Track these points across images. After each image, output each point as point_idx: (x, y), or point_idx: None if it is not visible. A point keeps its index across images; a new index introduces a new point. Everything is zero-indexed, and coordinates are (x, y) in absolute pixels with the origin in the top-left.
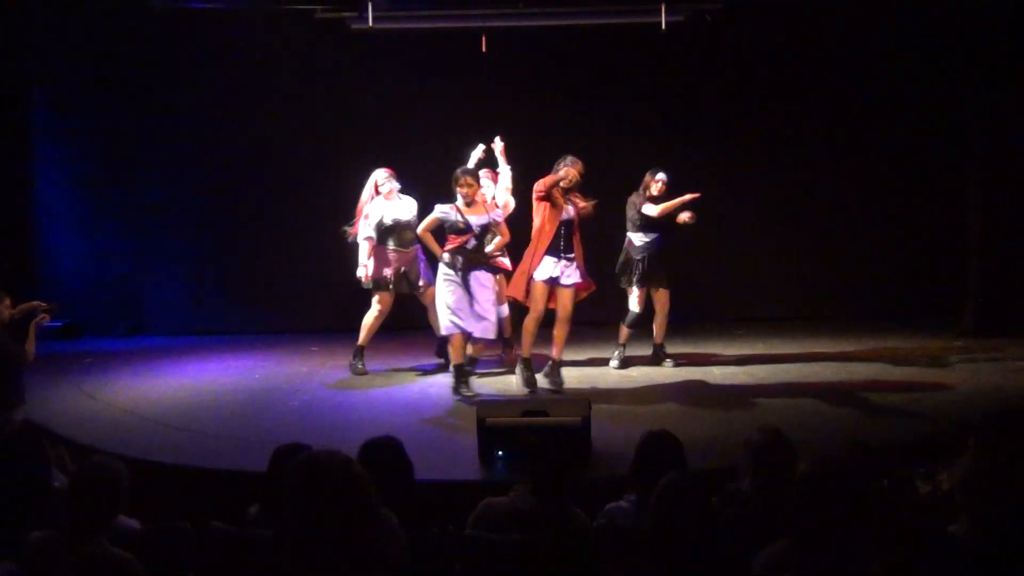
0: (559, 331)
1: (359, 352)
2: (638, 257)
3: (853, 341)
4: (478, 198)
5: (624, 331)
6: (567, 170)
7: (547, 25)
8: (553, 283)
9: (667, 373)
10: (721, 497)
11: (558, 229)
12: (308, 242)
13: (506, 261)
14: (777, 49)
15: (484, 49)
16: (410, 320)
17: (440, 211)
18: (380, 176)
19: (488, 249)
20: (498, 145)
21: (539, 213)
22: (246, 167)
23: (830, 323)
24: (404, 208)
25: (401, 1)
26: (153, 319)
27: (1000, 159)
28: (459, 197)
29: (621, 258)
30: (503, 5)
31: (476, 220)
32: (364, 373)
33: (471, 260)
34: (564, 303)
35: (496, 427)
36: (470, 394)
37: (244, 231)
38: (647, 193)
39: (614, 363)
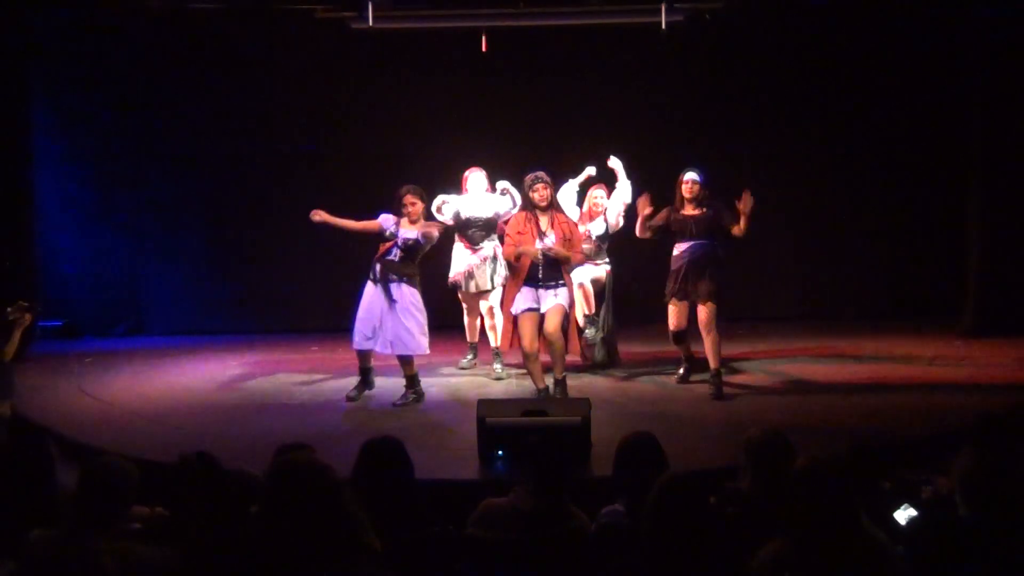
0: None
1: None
2: (674, 268)
3: (853, 341)
4: (415, 216)
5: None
6: (537, 193)
7: (547, 25)
8: (537, 312)
9: (667, 373)
10: (721, 497)
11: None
12: (308, 242)
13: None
14: (777, 49)
15: (484, 49)
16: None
17: (383, 218)
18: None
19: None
20: (615, 163)
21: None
22: (246, 167)
23: (830, 323)
24: (480, 206)
25: (401, 1)
26: (153, 319)
27: (1001, 160)
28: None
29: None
30: (503, 5)
31: (404, 233)
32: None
33: (386, 268)
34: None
35: (496, 427)
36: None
37: (244, 231)
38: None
39: (674, 377)
